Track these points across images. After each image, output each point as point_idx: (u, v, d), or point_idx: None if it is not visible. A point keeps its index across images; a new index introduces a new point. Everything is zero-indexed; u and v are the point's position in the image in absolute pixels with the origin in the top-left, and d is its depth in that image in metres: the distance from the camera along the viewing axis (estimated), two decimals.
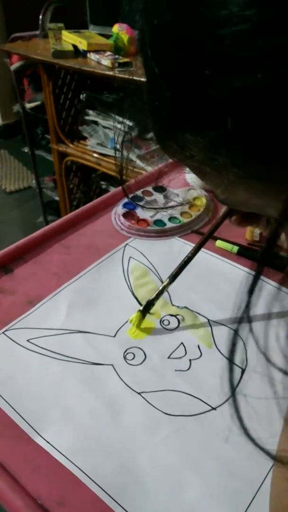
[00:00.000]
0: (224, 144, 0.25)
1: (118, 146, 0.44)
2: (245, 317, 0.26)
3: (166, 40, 0.25)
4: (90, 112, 1.67)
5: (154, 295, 0.54)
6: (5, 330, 0.53)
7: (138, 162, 1.50)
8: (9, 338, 0.52)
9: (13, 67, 1.72)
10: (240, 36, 0.21)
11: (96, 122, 1.67)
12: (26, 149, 1.98)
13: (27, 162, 2.71)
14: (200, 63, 0.23)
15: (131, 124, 0.41)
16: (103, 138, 1.64)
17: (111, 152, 1.60)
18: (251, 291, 0.25)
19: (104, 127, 1.64)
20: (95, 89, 1.71)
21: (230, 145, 0.25)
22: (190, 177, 0.81)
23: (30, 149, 1.94)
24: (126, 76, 1.14)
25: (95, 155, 1.63)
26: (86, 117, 1.68)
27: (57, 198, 2.04)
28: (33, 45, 1.61)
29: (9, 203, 2.45)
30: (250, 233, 0.68)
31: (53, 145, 1.74)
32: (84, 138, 1.70)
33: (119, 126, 1.48)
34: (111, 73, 1.29)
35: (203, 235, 0.66)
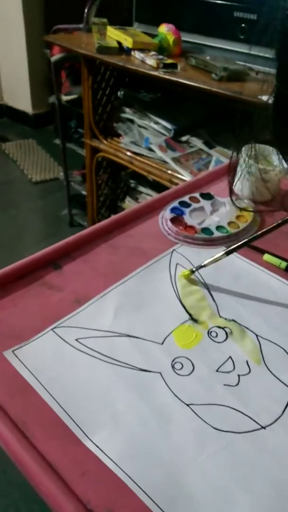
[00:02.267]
0: None
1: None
2: None
3: None
4: (127, 109, 1.66)
5: (208, 260, 0.60)
6: (54, 327, 0.53)
7: (172, 164, 1.50)
8: (58, 335, 0.52)
9: (53, 59, 1.72)
10: None
11: (131, 121, 1.66)
12: (57, 141, 1.98)
13: (54, 153, 2.73)
14: None
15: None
16: (138, 137, 1.63)
17: (144, 152, 1.59)
18: None
19: (139, 126, 1.64)
20: (133, 87, 1.70)
21: None
22: (236, 187, 0.80)
23: (62, 142, 1.94)
24: (171, 78, 1.13)
25: (128, 153, 1.62)
26: (122, 115, 1.68)
27: (83, 192, 2.04)
28: (76, 39, 1.61)
29: (34, 193, 2.46)
30: None
31: (86, 139, 1.74)
32: (118, 136, 1.70)
33: (155, 126, 1.46)
34: (155, 73, 1.28)
35: (252, 247, 0.66)
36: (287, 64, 0.33)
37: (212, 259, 0.60)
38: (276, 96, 0.39)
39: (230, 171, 0.57)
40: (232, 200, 0.68)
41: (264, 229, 0.59)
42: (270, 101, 0.41)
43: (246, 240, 0.60)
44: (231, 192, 0.57)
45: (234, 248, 0.59)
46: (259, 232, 0.59)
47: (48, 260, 0.61)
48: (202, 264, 0.60)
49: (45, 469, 0.39)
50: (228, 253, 0.60)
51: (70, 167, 2.05)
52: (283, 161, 0.48)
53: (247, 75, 1.28)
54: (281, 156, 0.46)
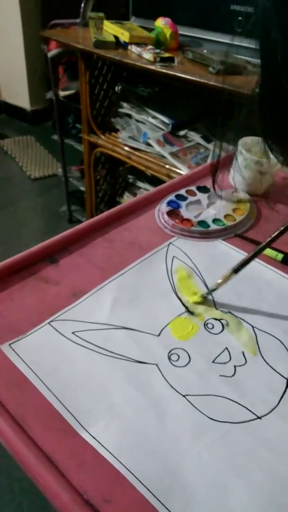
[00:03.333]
0: None
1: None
2: None
3: None
4: (124, 104, 1.66)
5: (220, 281, 0.57)
6: (51, 321, 0.53)
7: (170, 159, 1.50)
8: (55, 329, 0.52)
9: (50, 54, 1.71)
10: None
11: (129, 115, 1.66)
12: (55, 137, 1.98)
13: (53, 149, 2.72)
14: None
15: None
16: (135, 132, 1.63)
17: (142, 146, 1.59)
18: None
19: (137, 120, 1.63)
20: (130, 81, 1.70)
21: None
22: (234, 179, 0.80)
23: (60, 137, 1.93)
24: (168, 72, 1.13)
25: (126, 148, 1.62)
26: (120, 110, 1.67)
27: (82, 188, 2.04)
28: (73, 33, 1.60)
29: (33, 190, 2.45)
30: None
31: (84, 135, 1.74)
32: (116, 131, 1.69)
33: (153, 121, 1.45)
34: (152, 67, 1.27)
35: (247, 240, 0.65)
36: (268, 56, 0.33)
37: (222, 281, 0.56)
38: (261, 87, 0.39)
39: (216, 166, 0.56)
40: (215, 191, 0.67)
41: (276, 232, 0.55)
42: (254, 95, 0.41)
43: (261, 246, 0.56)
44: (214, 184, 0.54)
45: (243, 264, 0.56)
46: (272, 236, 0.55)
47: (44, 254, 0.61)
48: (214, 289, 0.57)
49: (42, 460, 0.40)
50: (236, 271, 0.56)
51: (68, 163, 2.05)
52: (269, 153, 0.48)
53: (245, 68, 1.27)
54: (267, 148, 0.46)
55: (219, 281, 0.57)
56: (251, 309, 0.57)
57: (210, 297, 0.58)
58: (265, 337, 0.54)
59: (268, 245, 0.55)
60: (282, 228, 0.54)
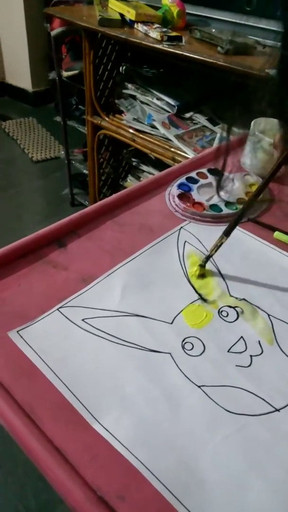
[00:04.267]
0: None
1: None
2: None
3: None
4: (129, 85, 1.62)
5: (212, 247, 0.56)
6: (60, 307, 0.51)
7: (175, 142, 1.47)
8: (64, 315, 0.50)
9: (53, 33, 1.67)
10: None
11: (134, 97, 1.62)
12: (58, 119, 1.94)
13: (55, 131, 2.68)
14: None
15: None
16: (140, 114, 1.59)
17: (147, 129, 1.55)
18: None
19: (142, 102, 1.60)
20: (135, 62, 1.66)
21: None
22: (245, 162, 0.77)
23: (63, 119, 1.89)
24: (176, 51, 1.09)
25: (130, 130, 1.58)
26: (124, 91, 1.63)
27: (85, 171, 2.00)
28: (77, 11, 1.56)
29: (35, 173, 2.42)
30: None
31: (87, 116, 1.70)
32: (120, 112, 1.66)
33: (158, 103, 1.42)
34: (159, 46, 1.23)
35: (261, 224, 0.63)
36: None
37: (215, 246, 0.56)
38: (282, 63, 0.37)
39: (220, 153, 0.53)
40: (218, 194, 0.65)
41: (251, 198, 0.54)
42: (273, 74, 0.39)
43: (237, 217, 0.55)
44: (224, 166, 0.51)
45: (231, 227, 0.55)
46: (264, 182, 0.53)
47: (52, 238, 0.59)
48: (210, 254, 0.57)
49: (53, 454, 0.38)
50: (227, 234, 0.55)
51: (71, 145, 2.01)
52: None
53: (254, 49, 1.24)
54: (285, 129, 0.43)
55: (213, 247, 0.56)
56: (267, 296, 0.55)
57: (224, 284, 0.56)
58: (282, 325, 0.52)
59: (256, 196, 0.53)
60: (274, 167, 0.51)
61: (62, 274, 0.54)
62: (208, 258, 0.57)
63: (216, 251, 0.57)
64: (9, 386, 0.42)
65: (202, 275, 0.57)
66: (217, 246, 0.56)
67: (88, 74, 1.60)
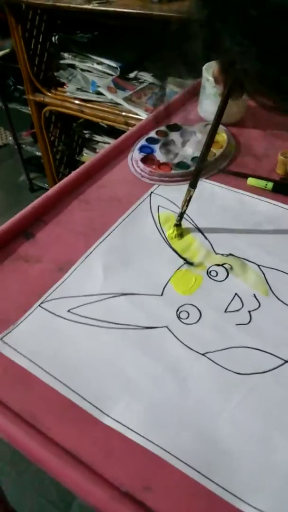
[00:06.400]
0: None
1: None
2: None
3: None
4: (65, 55, 1.53)
5: (182, 204, 0.54)
6: (41, 303, 0.47)
7: (125, 105, 1.41)
8: (47, 310, 0.47)
9: None
10: None
11: (73, 66, 1.54)
12: None
13: None
14: None
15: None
16: (83, 83, 1.52)
17: (93, 97, 1.49)
18: None
19: (82, 70, 1.52)
20: (67, 30, 1.57)
21: None
22: (204, 111, 0.74)
23: (3, 103, 1.80)
24: (107, 9, 1.02)
25: (76, 101, 1.51)
26: (62, 61, 1.55)
27: (38, 153, 1.93)
28: None
29: None
30: (283, 167, 0.62)
31: (28, 95, 1.62)
32: (62, 85, 1.58)
33: (100, 67, 1.35)
34: (89, 6, 1.16)
35: (233, 174, 0.61)
36: None
37: (185, 200, 0.54)
38: None
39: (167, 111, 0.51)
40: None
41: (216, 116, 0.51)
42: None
43: (197, 164, 0.54)
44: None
45: (196, 178, 0.54)
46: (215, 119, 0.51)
47: (17, 230, 0.55)
48: (182, 211, 0.55)
49: (64, 458, 0.35)
50: (193, 186, 0.54)
51: (17, 129, 1.93)
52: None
53: None
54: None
55: (183, 203, 0.54)
56: (252, 247, 0.53)
57: (207, 243, 0.53)
58: (274, 273, 0.50)
59: (212, 138, 0.51)
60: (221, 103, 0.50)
61: (36, 267, 0.51)
62: (181, 215, 0.55)
63: (187, 206, 0.54)
64: (4, 398, 0.39)
65: (181, 235, 0.54)
66: (187, 201, 0.54)
67: (20, 50, 1.51)
